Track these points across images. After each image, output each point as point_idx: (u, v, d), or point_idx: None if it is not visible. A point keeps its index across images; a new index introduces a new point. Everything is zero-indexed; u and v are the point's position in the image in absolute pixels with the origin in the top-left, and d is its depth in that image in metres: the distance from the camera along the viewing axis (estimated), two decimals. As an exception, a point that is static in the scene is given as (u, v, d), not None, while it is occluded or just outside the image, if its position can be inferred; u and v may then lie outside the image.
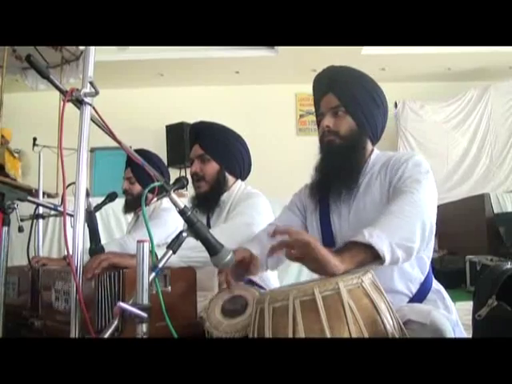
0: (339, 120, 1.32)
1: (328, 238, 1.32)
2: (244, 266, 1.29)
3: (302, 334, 0.86)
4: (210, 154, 1.79)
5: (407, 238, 1.07)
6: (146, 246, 0.93)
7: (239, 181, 1.87)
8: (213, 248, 1.10)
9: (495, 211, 5.11)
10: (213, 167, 1.79)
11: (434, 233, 1.28)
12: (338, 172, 1.30)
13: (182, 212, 1.09)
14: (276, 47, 6.36)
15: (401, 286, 1.24)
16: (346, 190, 1.30)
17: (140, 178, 2.25)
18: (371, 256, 1.03)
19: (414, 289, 1.25)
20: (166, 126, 6.84)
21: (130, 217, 2.47)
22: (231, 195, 1.81)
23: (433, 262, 1.32)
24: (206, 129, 1.84)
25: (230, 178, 1.83)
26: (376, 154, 1.37)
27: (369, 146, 1.37)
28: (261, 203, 1.74)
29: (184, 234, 1.07)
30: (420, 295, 1.25)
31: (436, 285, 1.31)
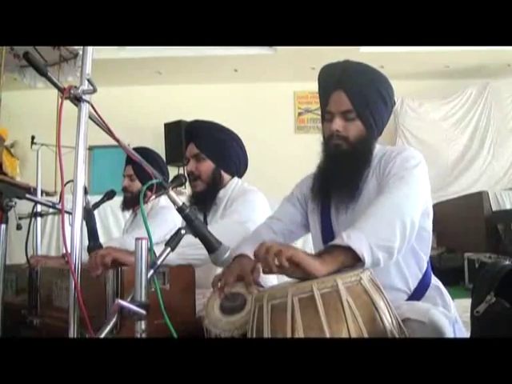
0: (349, 125, 1.29)
1: (328, 236, 1.31)
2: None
3: (300, 331, 0.86)
4: (204, 153, 1.79)
5: (386, 238, 1.06)
6: (145, 243, 0.93)
7: (235, 178, 1.86)
8: (211, 245, 1.11)
9: (494, 209, 5.10)
10: (208, 166, 1.79)
11: (432, 232, 1.29)
12: (342, 178, 1.28)
13: (180, 209, 1.09)
14: (274, 45, 6.35)
15: (399, 283, 1.24)
16: (347, 196, 1.28)
17: (141, 175, 2.25)
18: (351, 258, 1.02)
19: (413, 286, 1.25)
20: (165, 124, 6.82)
21: (129, 214, 2.47)
22: (227, 192, 1.81)
23: (431, 259, 1.32)
24: (201, 128, 1.84)
25: (226, 176, 1.83)
26: (376, 150, 1.35)
27: (375, 146, 1.35)
28: (257, 200, 1.74)
29: (182, 232, 1.07)
30: (419, 292, 1.26)
31: (435, 281, 1.31)
